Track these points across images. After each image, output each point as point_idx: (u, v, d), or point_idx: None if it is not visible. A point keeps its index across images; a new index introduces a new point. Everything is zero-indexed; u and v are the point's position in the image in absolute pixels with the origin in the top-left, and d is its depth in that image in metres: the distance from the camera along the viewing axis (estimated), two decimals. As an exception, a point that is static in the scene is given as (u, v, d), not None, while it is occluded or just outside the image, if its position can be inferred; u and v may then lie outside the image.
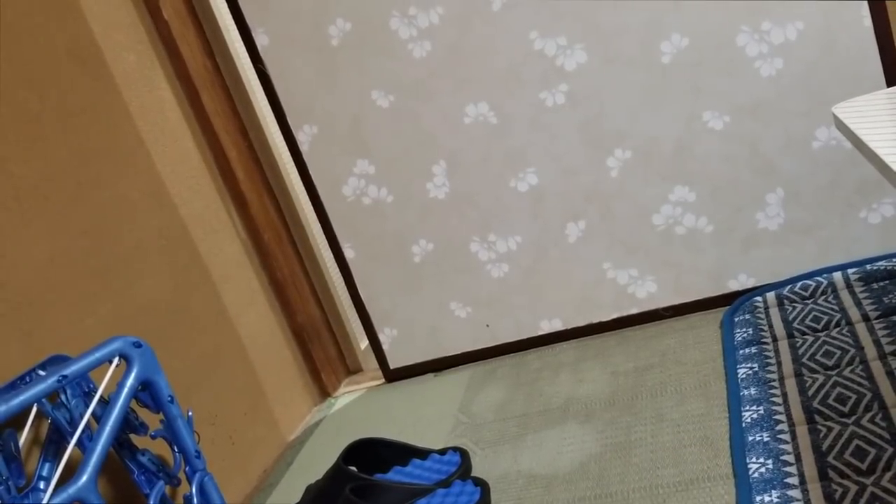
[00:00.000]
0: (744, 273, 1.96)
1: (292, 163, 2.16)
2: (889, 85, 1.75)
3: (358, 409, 2.18)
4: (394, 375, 2.28)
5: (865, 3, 1.71)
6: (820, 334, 1.68)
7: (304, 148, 2.11)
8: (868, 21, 1.71)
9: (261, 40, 2.03)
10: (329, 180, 2.13)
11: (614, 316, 2.08)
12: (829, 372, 1.53)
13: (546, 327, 2.13)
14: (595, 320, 2.09)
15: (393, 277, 2.18)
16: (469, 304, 2.16)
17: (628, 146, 1.92)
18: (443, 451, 1.75)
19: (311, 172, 2.13)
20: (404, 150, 2.05)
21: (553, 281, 2.09)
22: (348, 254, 2.19)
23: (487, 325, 2.17)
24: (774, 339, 1.72)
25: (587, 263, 2.05)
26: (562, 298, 2.10)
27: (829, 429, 1.37)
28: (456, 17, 1.91)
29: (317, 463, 1.93)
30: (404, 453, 1.76)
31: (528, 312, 2.13)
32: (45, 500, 1.16)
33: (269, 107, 2.12)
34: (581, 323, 2.11)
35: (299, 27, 2.00)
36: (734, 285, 1.98)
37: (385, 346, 2.26)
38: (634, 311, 2.06)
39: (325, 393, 2.31)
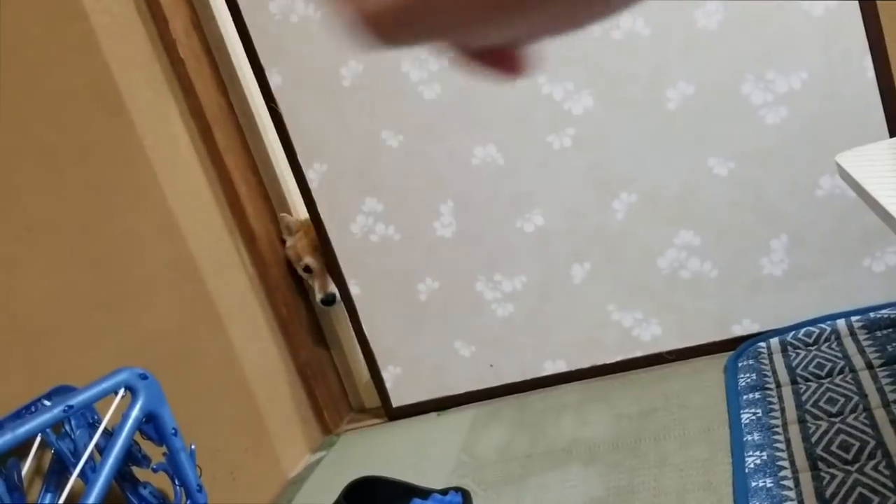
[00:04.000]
0: (748, 318, 1.96)
1: (302, 199, 2.19)
2: (892, 135, 1.76)
3: (360, 447, 2.17)
4: (397, 414, 2.27)
5: (869, 56, 1.74)
6: (823, 381, 1.67)
7: (313, 185, 2.13)
8: (871, 72, 1.74)
9: (274, 80, 2.07)
10: (337, 217, 2.15)
11: (619, 358, 2.08)
12: (832, 419, 1.53)
13: (550, 368, 2.13)
14: (599, 362, 2.09)
15: (398, 315, 2.19)
16: (474, 343, 2.16)
17: (634, 190, 1.94)
18: (444, 491, 1.74)
19: (319, 209, 2.15)
20: (412, 189, 2.07)
21: (558, 322, 2.09)
22: (354, 290, 2.20)
23: (491, 365, 2.17)
24: (778, 385, 1.72)
25: (592, 305, 2.06)
26: (566, 339, 2.10)
27: (833, 476, 1.36)
28: (466, 60, 1.94)
29: (317, 501, 1.92)
30: (405, 492, 1.75)
31: (533, 353, 2.13)
32: (46, 531, 1.16)
33: (279, 144, 2.15)
34: (585, 364, 2.10)
35: (312, 68, 2.04)
36: (738, 330, 1.98)
37: (388, 384, 2.26)
38: (639, 353, 2.06)
39: (327, 430, 2.30)
